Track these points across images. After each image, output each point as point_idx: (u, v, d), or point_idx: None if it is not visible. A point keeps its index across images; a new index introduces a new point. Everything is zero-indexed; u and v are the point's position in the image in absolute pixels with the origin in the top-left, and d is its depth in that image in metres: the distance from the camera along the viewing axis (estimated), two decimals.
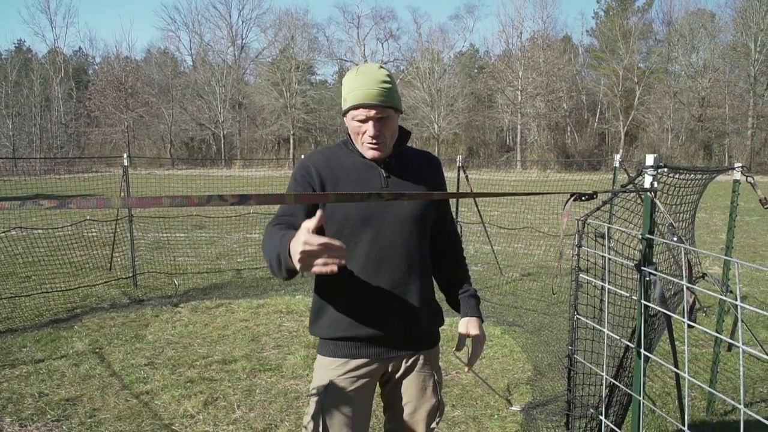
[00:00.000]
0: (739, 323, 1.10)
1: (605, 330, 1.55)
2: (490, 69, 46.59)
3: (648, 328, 1.65)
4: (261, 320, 5.31)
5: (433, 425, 1.83)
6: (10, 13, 74.70)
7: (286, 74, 45.56)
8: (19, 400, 3.53)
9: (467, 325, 1.81)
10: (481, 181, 11.80)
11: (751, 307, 1.14)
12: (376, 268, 1.68)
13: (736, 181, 3.24)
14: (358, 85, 1.61)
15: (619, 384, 1.80)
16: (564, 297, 5.77)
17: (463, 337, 1.82)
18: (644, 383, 1.58)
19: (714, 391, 1.67)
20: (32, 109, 43.31)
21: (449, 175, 2.50)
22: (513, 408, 3.48)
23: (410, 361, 1.78)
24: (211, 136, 47.37)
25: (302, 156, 2.04)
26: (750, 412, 1.16)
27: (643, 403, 1.60)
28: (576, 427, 1.79)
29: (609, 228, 1.61)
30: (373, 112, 1.61)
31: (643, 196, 1.60)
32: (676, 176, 1.88)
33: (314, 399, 1.71)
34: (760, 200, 2.71)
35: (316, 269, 1.24)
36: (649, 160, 1.58)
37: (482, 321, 1.85)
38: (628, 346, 1.78)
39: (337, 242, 1.24)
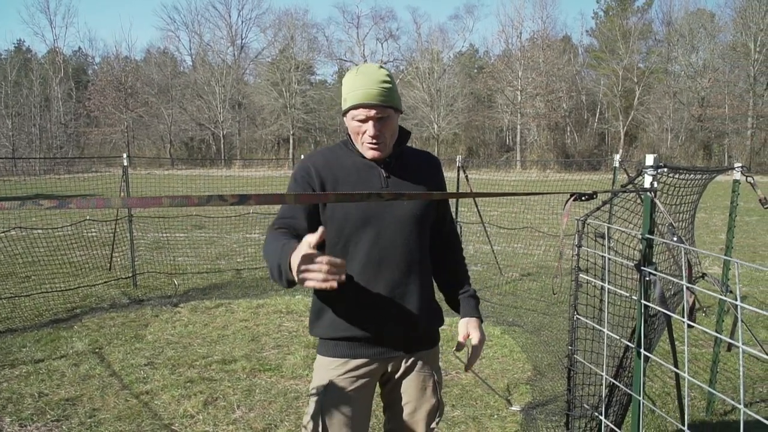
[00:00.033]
0: (739, 323, 1.10)
1: (605, 330, 1.55)
2: (489, 69, 46.59)
3: (648, 328, 1.65)
4: (261, 320, 5.31)
5: (433, 425, 1.83)
6: (9, 13, 74.77)
7: (286, 74, 45.55)
8: (19, 400, 3.53)
9: (467, 325, 1.81)
10: (481, 181, 11.80)
11: (750, 307, 1.14)
12: (376, 268, 1.68)
13: (735, 181, 3.24)
14: (358, 85, 1.61)
15: (618, 384, 1.80)
16: (564, 297, 5.77)
17: (462, 338, 1.82)
18: (644, 383, 1.58)
19: (714, 391, 1.67)
20: (32, 109, 43.30)
21: (449, 175, 2.50)
22: (513, 408, 3.48)
23: (410, 361, 1.78)
24: (211, 136, 47.36)
25: (302, 156, 2.05)
26: (750, 412, 1.16)
27: (643, 403, 1.60)
28: (576, 427, 1.79)
29: (609, 228, 1.61)
30: (373, 112, 1.61)
31: (642, 196, 1.60)
32: (676, 176, 1.88)
33: (314, 399, 1.71)
34: (760, 200, 2.71)
35: (316, 285, 1.28)
36: (649, 160, 1.58)
37: (482, 321, 1.85)
38: (627, 346, 1.78)
39: (337, 259, 1.27)
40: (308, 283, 1.28)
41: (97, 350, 4.47)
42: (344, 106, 1.67)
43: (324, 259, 1.26)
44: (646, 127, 43.20)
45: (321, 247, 1.70)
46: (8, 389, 3.70)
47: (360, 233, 1.67)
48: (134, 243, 6.85)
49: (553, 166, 32.95)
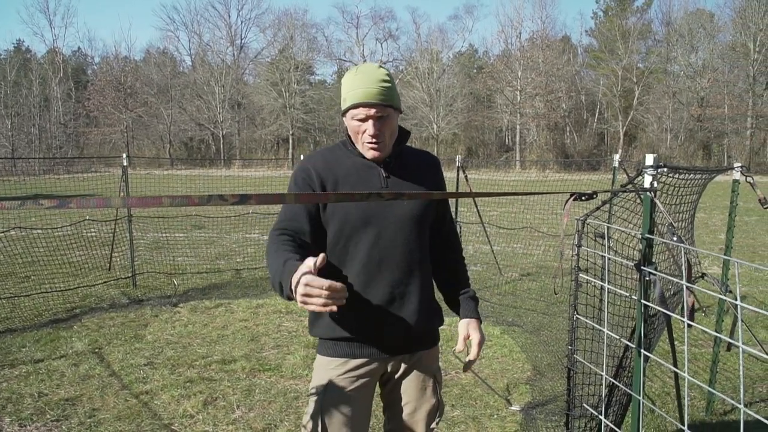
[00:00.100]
0: (739, 323, 1.10)
1: (605, 330, 1.55)
2: (489, 69, 46.57)
3: (648, 328, 1.65)
4: (260, 320, 5.31)
5: (433, 425, 1.83)
6: (9, 13, 74.71)
7: (285, 74, 45.53)
8: (19, 400, 3.53)
9: (467, 326, 1.81)
10: (481, 181, 11.81)
11: (750, 307, 1.14)
12: (376, 268, 1.68)
13: (735, 181, 3.25)
14: (358, 84, 1.61)
15: (618, 384, 1.81)
16: (563, 297, 5.77)
17: (462, 339, 1.82)
18: (644, 383, 1.58)
19: (713, 391, 1.67)
20: (31, 109, 43.26)
21: (448, 175, 2.50)
22: (512, 408, 3.48)
23: (410, 361, 1.78)
24: (210, 136, 47.33)
25: (301, 156, 2.05)
26: (750, 412, 1.16)
27: (643, 402, 1.60)
28: (575, 426, 1.79)
29: (608, 228, 1.61)
30: (373, 111, 1.61)
31: (642, 196, 1.60)
32: (676, 176, 1.88)
33: (313, 399, 1.71)
34: (760, 200, 2.71)
35: (316, 309, 1.31)
36: (649, 159, 1.58)
37: (481, 322, 1.85)
38: (627, 345, 1.79)
39: (337, 284, 1.29)
40: (309, 307, 1.32)
41: (96, 350, 4.47)
42: (344, 106, 1.67)
43: (324, 284, 1.28)
44: (646, 127, 43.21)
45: (321, 247, 1.71)
46: (8, 389, 3.70)
47: (360, 233, 1.67)
48: (134, 243, 6.85)
49: (552, 166, 32.96)
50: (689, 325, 1.54)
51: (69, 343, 4.62)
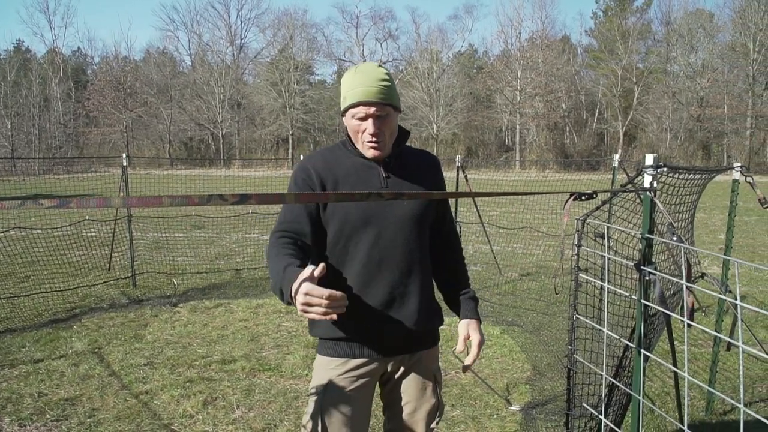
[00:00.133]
0: (739, 323, 1.10)
1: (605, 330, 1.55)
2: (488, 69, 46.57)
3: (647, 328, 1.65)
4: (260, 320, 5.31)
5: (433, 425, 1.83)
6: (9, 13, 74.70)
7: (285, 74, 45.53)
8: (19, 400, 3.53)
9: (467, 327, 1.81)
10: (480, 181, 11.81)
11: (750, 307, 1.14)
12: (376, 268, 1.68)
13: (735, 181, 3.25)
14: (358, 83, 1.61)
15: (618, 383, 1.81)
16: (563, 297, 5.77)
17: (462, 339, 1.82)
18: (644, 383, 1.58)
19: (713, 391, 1.67)
20: (31, 109, 43.24)
21: (448, 175, 2.50)
22: (512, 408, 3.48)
23: (410, 361, 1.78)
24: (210, 136, 47.33)
25: (301, 156, 2.05)
26: (750, 412, 1.16)
27: (643, 402, 1.60)
28: (575, 426, 1.79)
29: (608, 228, 1.61)
30: (372, 110, 1.61)
31: (642, 196, 1.60)
32: (676, 176, 1.88)
33: (313, 398, 1.71)
34: (759, 200, 2.71)
35: (316, 317, 1.32)
36: (649, 159, 1.58)
37: (480, 323, 1.85)
38: (627, 345, 1.79)
39: (337, 293, 1.30)
40: (309, 315, 1.33)
41: (96, 350, 4.47)
42: (343, 105, 1.67)
43: (325, 293, 1.28)
44: (645, 127, 43.21)
45: (322, 248, 1.71)
46: (8, 389, 3.70)
47: (360, 233, 1.67)
48: (133, 243, 6.85)
49: (552, 166, 32.96)
50: (689, 325, 1.54)
51: (69, 343, 4.62)
